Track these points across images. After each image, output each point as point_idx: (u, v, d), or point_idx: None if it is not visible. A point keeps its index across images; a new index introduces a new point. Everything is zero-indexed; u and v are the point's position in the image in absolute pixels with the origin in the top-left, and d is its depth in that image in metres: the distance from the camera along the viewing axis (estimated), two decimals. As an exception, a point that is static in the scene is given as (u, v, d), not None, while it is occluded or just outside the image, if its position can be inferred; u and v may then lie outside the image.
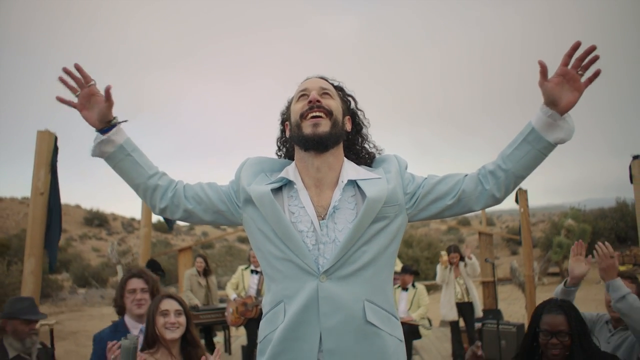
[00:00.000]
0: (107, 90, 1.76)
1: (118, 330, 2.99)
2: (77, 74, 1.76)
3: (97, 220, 45.93)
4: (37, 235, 3.93)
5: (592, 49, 1.60)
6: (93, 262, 26.74)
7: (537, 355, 2.58)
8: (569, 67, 1.64)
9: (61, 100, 1.79)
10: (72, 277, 20.79)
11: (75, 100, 1.79)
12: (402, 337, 1.75)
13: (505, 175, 1.72)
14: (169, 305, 2.61)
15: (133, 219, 48.90)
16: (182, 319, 2.62)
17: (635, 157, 3.98)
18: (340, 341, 1.62)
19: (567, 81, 1.64)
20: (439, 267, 6.89)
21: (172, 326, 2.58)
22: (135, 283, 3.05)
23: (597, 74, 1.63)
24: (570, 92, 1.64)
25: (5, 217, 43.83)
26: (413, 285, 6.53)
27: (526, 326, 2.65)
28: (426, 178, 1.85)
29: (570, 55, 1.62)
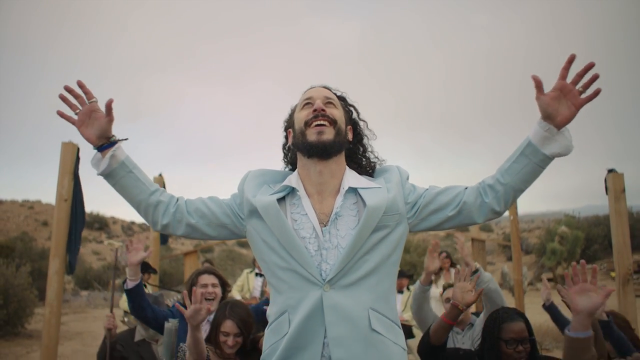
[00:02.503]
0: (109, 105, 1.76)
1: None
2: (79, 91, 1.78)
3: (97, 223, 46.09)
4: (61, 238, 4.26)
5: (591, 65, 1.60)
6: (94, 265, 26.99)
7: None
8: (568, 81, 1.64)
9: (62, 115, 1.79)
10: (74, 279, 21.03)
11: (74, 117, 1.80)
12: (405, 346, 1.77)
13: (504, 189, 1.73)
14: (229, 328, 2.79)
15: (133, 223, 49.09)
16: (241, 339, 2.80)
17: (610, 171, 4.32)
18: (348, 350, 1.62)
19: (565, 95, 1.64)
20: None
21: (230, 347, 2.79)
22: (207, 279, 3.36)
23: (597, 92, 1.62)
24: (567, 107, 1.64)
25: (5, 220, 44.02)
26: (408, 288, 6.85)
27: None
28: (427, 189, 1.86)
29: (566, 68, 1.63)
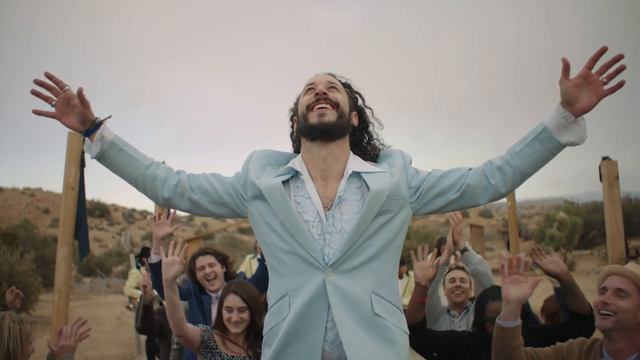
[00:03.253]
0: (79, 93, 1.73)
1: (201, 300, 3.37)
2: (50, 82, 1.74)
3: (98, 210, 46.24)
4: (68, 225, 4.37)
5: (620, 57, 1.60)
6: (96, 252, 27.14)
7: (483, 341, 2.61)
8: (593, 71, 1.63)
9: (38, 112, 1.75)
10: (76, 266, 21.19)
11: (52, 110, 1.76)
12: (407, 330, 1.79)
13: (512, 171, 1.73)
14: (232, 302, 2.68)
15: (134, 210, 49.29)
16: (246, 315, 2.68)
17: (604, 158, 4.40)
18: (354, 333, 1.63)
19: (588, 84, 1.63)
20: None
21: (236, 323, 2.66)
22: (202, 260, 3.33)
23: (620, 84, 1.63)
24: (588, 96, 1.63)
25: (7, 208, 44.15)
26: (407, 274, 6.97)
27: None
28: (430, 172, 1.86)
29: (595, 59, 1.62)
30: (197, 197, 1.84)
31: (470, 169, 1.81)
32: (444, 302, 3.73)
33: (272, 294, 1.79)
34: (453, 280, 3.56)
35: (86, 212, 4.55)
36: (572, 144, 1.68)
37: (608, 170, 4.35)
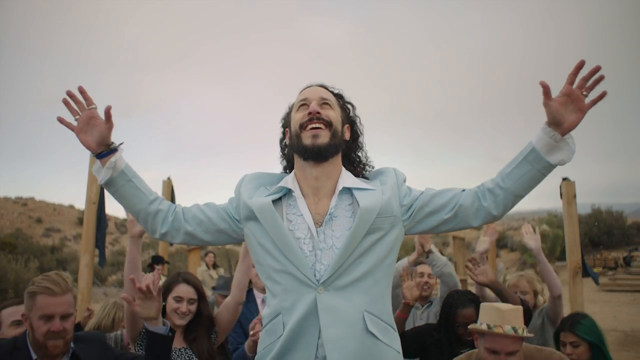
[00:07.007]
0: (107, 111, 1.74)
1: (248, 300, 3.47)
2: (80, 97, 1.76)
3: (91, 220, 46.07)
4: (90, 236, 4.88)
5: (597, 69, 1.58)
6: (91, 262, 27.32)
7: (452, 341, 2.80)
8: (574, 86, 1.61)
9: (61, 121, 1.77)
10: (72, 275, 21.49)
11: (74, 123, 1.78)
12: (400, 349, 1.76)
13: (504, 193, 1.70)
14: (183, 292, 2.60)
15: (126, 220, 49.24)
16: (194, 307, 2.61)
17: (564, 179, 4.94)
18: (341, 351, 1.61)
19: (572, 101, 1.61)
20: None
21: (182, 315, 2.58)
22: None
23: (602, 96, 1.59)
24: (573, 112, 1.61)
25: (-1, 217, 44.21)
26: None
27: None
28: (423, 191, 1.84)
29: (575, 74, 1.59)
30: (191, 229, 1.86)
31: (464, 190, 1.80)
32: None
33: (266, 314, 1.79)
34: (422, 275, 3.74)
35: (107, 224, 5.07)
36: (562, 163, 1.66)
37: (567, 189, 4.88)
